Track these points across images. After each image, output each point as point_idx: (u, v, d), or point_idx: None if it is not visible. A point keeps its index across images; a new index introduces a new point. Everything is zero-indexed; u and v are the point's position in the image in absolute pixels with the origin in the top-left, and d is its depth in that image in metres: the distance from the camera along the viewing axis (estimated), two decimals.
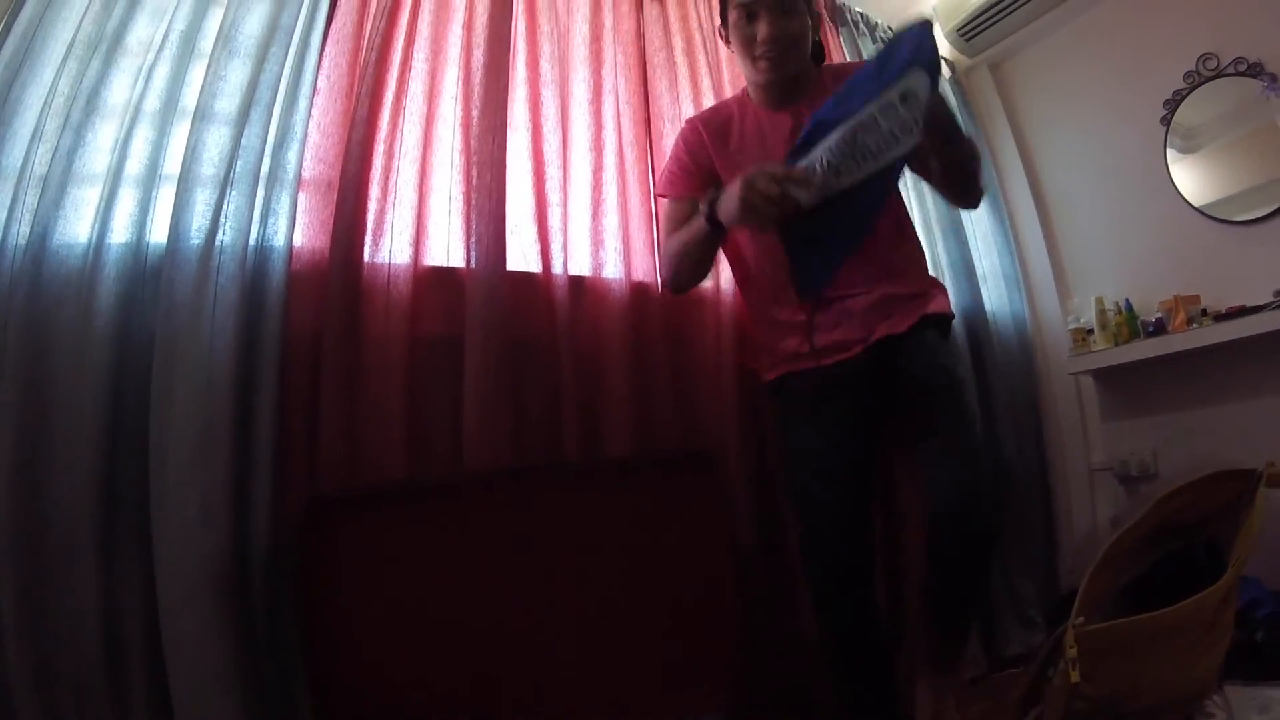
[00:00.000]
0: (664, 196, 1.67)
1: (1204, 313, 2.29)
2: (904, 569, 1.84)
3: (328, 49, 1.45)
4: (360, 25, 1.51)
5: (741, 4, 1.48)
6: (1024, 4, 2.78)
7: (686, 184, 1.61)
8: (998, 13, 2.83)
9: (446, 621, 1.23)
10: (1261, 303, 2.15)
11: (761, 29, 1.46)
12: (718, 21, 1.63)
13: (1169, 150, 2.56)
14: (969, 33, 2.94)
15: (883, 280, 1.48)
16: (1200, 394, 2.42)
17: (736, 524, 1.74)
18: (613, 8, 2.00)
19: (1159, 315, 2.40)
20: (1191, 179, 2.53)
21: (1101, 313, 2.55)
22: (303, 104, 1.37)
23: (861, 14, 2.80)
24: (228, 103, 1.26)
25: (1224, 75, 2.41)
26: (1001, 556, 2.33)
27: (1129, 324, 2.48)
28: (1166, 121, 2.56)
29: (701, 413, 1.82)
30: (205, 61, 1.27)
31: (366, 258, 1.44)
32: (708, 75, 2.15)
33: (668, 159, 1.69)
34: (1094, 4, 2.79)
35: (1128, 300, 2.54)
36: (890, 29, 2.91)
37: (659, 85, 2.05)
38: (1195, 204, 2.49)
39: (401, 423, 1.37)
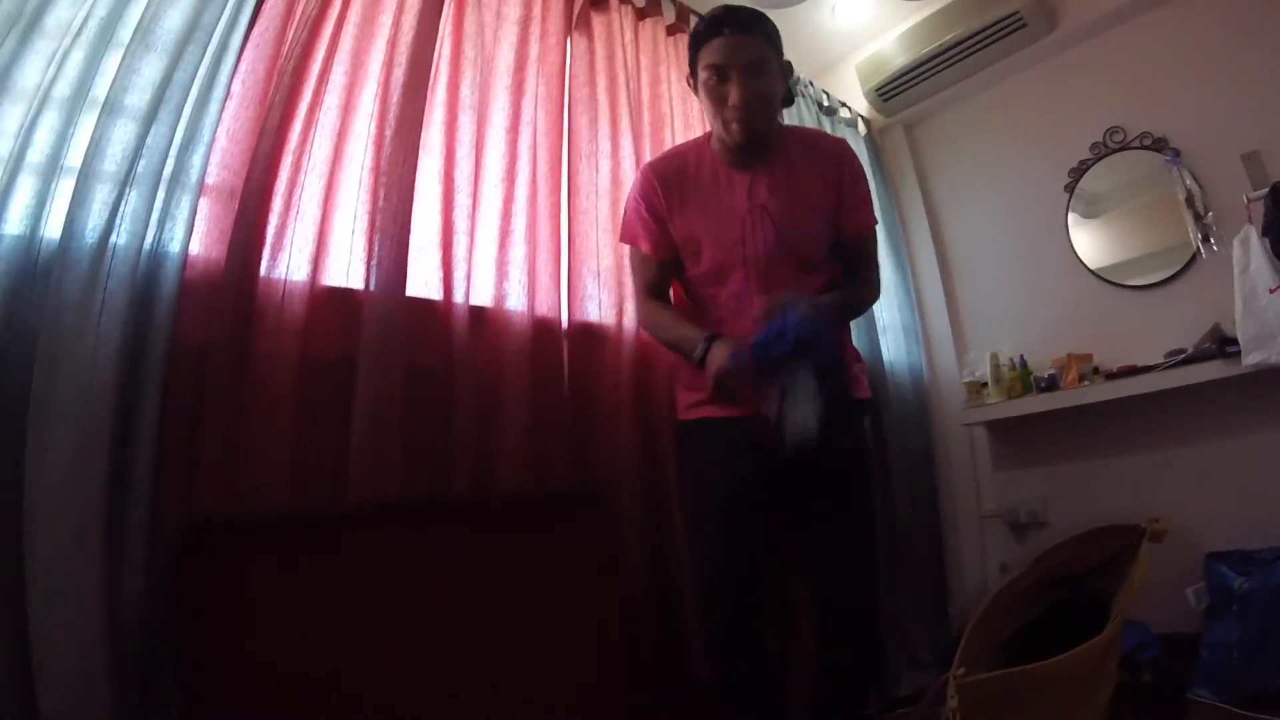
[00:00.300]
0: (633, 248, 1.78)
1: (1096, 371, 2.63)
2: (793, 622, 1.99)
3: (247, 52, 1.46)
4: (283, 32, 1.53)
5: (713, 64, 1.53)
6: (940, 71, 3.14)
7: (647, 238, 1.72)
8: (915, 77, 3.19)
9: (326, 657, 1.24)
10: (1152, 363, 2.48)
11: (733, 93, 1.52)
12: (685, 70, 1.70)
13: (1071, 215, 2.94)
14: (887, 94, 3.28)
15: None
16: (1090, 448, 2.76)
17: (628, 565, 1.82)
18: (539, 39, 2.09)
19: (1052, 372, 2.73)
20: (1092, 243, 2.90)
21: (996, 367, 2.88)
22: (214, 107, 1.37)
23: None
24: (138, 98, 1.25)
25: (1129, 148, 2.80)
26: (894, 600, 2.54)
27: (1022, 379, 2.80)
28: (1070, 189, 2.94)
29: (598, 451, 1.89)
30: (121, 52, 1.26)
31: (263, 272, 1.44)
32: (628, 114, 2.28)
33: (627, 206, 1.79)
34: (1008, 75, 3.17)
35: (1022, 356, 2.87)
36: (818, 90, 3.16)
37: (579, 120, 2.16)
38: (1094, 267, 2.86)
39: (287, 448, 1.37)
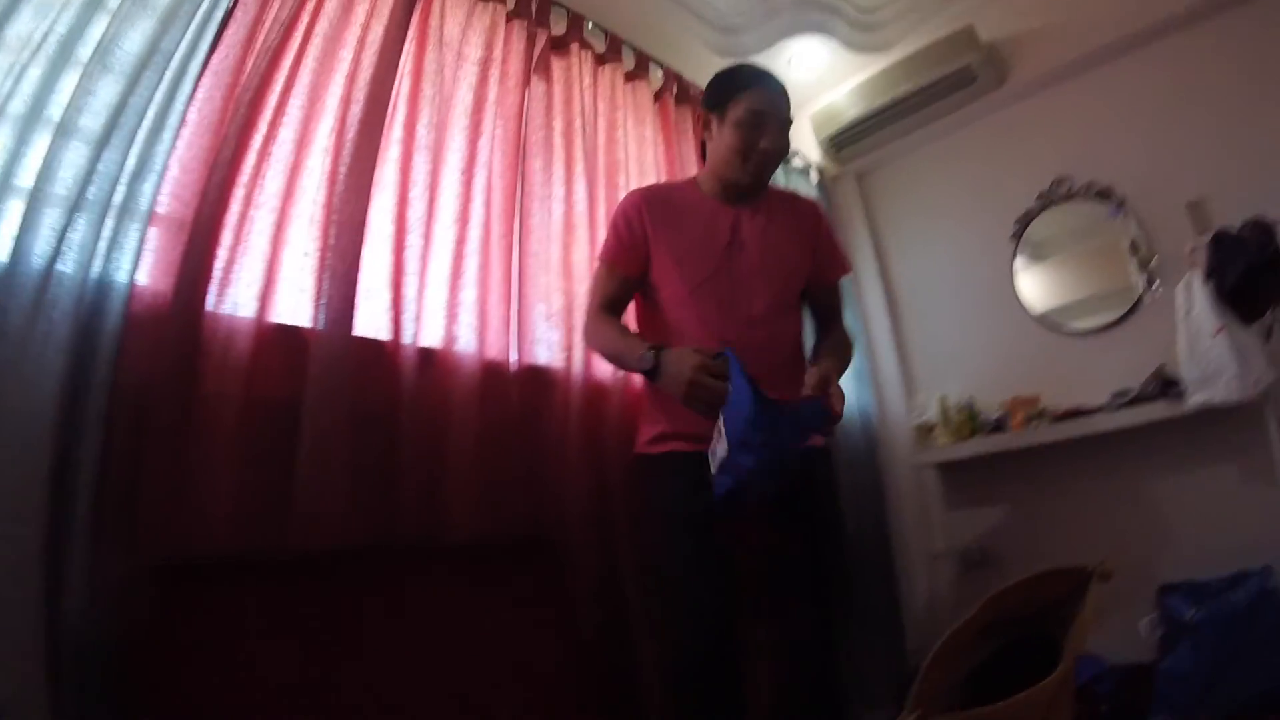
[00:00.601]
0: (603, 261, 1.85)
1: (1042, 413, 2.78)
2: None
3: (205, 79, 1.49)
4: (243, 60, 1.57)
5: (756, 110, 1.74)
6: (892, 122, 3.35)
7: (623, 258, 1.80)
8: (867, 128, 3.40)
9: (265, 704, 1.24)
10: (1098, 405, 2.65)
11: (765, 140, 1.75)
12: (641, 118, 1.84)
13: (1018, 259, 3.14)
14: (840, 143, 3.49)
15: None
16: (1039, 487, 2.92)
17: (579, 610, 1.84)
18: (499, 80, 2.18)
19: (999, 414, 2.89)
20: (1038, 286, 3.10)
21: (944, 410, 3.02)
22: (168, 135, 1.40)
23: None
24: (92, 120, 1.28)
25: (1075, 198, 3.01)
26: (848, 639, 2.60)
27: (970, 421, 2.95)
28: (1017, 237, 3.15)
29: (547, 495, 1.93)
30: (79, 72, 1.28)
31: (210, 306, 1.46)
32: (583, 159, 2.37)
33: (609, 227, 1.87)
34: (958, 127, 3.40)
35: (970, 399, 3.02)
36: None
37: (534, 163, 2.24)
38: (1041, 310, 3.05)
39: (229, 489, 1.37)
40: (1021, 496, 2.97)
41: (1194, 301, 2.32)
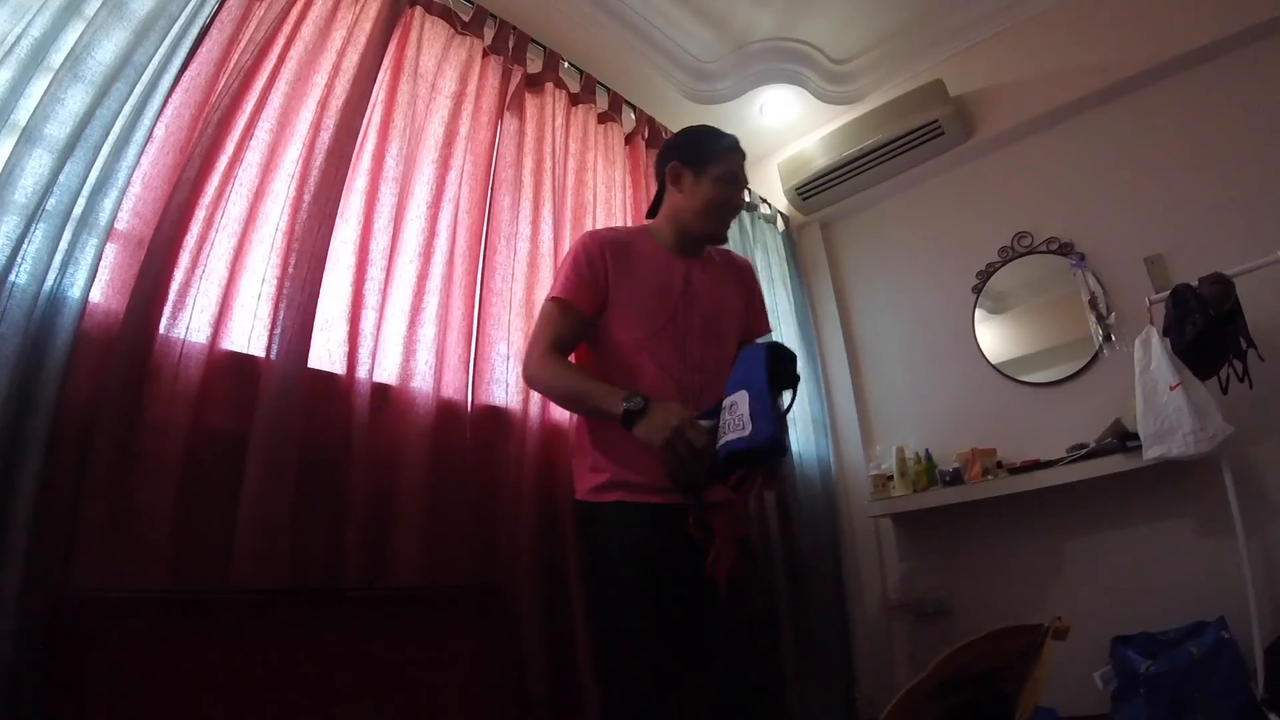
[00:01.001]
0: (559, 299, 1.81)
1: (999, 465, 2.88)
2: None
3: (175, 96, 1.51)
4: (215, 79, 1.60)
5: (734, 173, 1.91)
6: (859, 173, 3.52)
7: (583, 296, 1.81)
8: (834, 178, 3.56)
9: None
10: (1055, 457, 2.76)
11: (739, 199, 1.95)
12: (611, 159, 1.92)
13: (978, 311, 3.29)
14: (806, 193, 3.64)
15: None
16: (995, 538, 3.01)
17: (528, 663, 1.84)
18: (471, 116, 2.23)
19: (956, 465, 2.98)
20: (998, 338, 3.25)
21: (902, 461, 3.11)
22: (133, 150, 1.41)
23: None
24: (58, 129, 1.29)
25: (1036, 252, 3.18)
26: (801, 687, 2.64)
27: (927, 472, 3.05)
28: (978, 290, 3.31)
29: (499, 542, 1.93)
30: (49, 78, 1.30)
31: (162, 329, 1.46)
32: (550, 199, 2.43)
33: (566, 264, 1.86)
34: (924, 180, 3.57)
35: (927, 450, 3.11)
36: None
37: (502, 200, 2.29)
38: (1000, 360, 3.20)
39: (170, 521, 1.36)
40: (977, 547, 3.07)
41: (1152, 356, 2.43)
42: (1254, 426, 2.48)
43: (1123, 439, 2.56)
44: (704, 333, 1.86)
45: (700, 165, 1.89)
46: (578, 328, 1.81)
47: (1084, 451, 2.67)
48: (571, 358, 1.84)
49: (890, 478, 3.14)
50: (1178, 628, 2.40)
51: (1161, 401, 2.36)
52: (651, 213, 2.01)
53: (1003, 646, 1.79)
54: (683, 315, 1.85)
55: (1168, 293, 2.49)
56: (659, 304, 1.84)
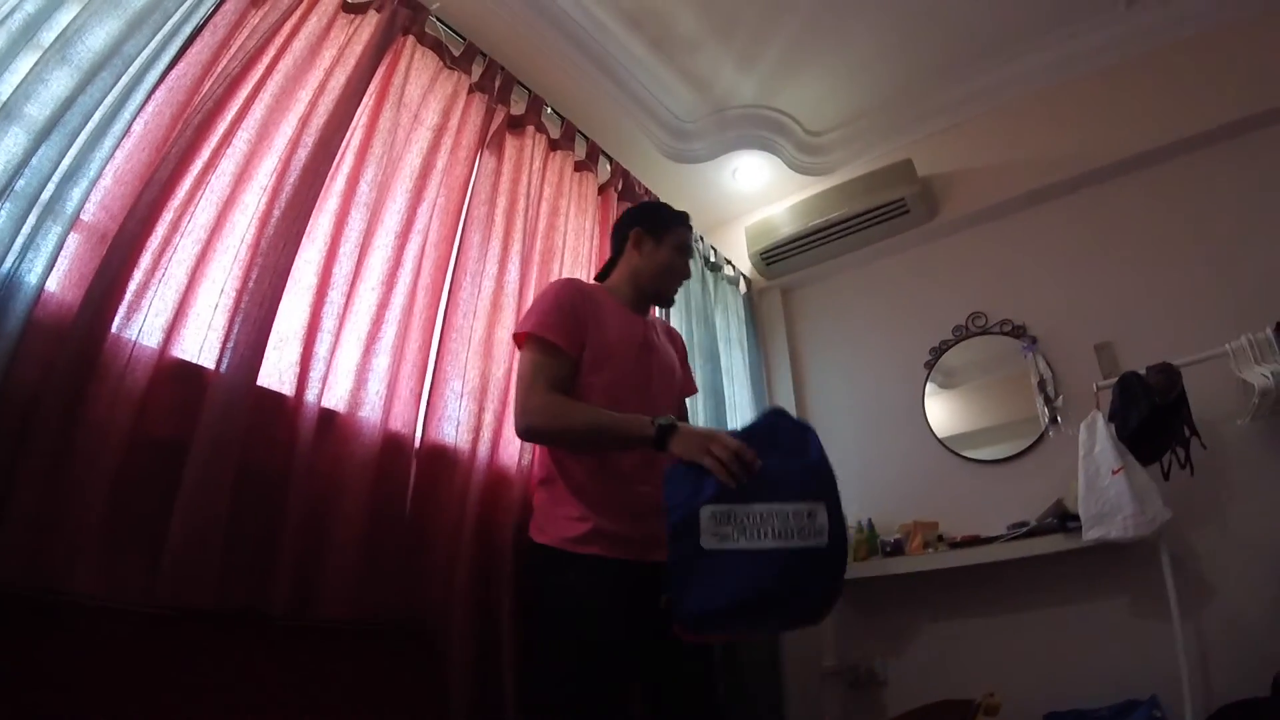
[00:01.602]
0: (546, 341, 1.86)
1: (940, 538, 2.97)
2: None
3: (158, 93, 1.53)
4: (200, 81, 1.62)
5: (686, 244, 2.18)
6: (822, 244, 3.67)
7: (566, 337, 1.88)
8: (798, 247, 3.70)
9: None
10: (995, 534, 2.84)
11: (688, 268, 2.19)
12: (584, 208, 2.05)
13: (929, 385, 3.41)
14: (771, 258, 3.79)
15: None
16: (932, 610, 3.08)
17: (451, 708, 1.80)
18: (450, 150, 2.28)
19: (898, 536, 3.04)
20: (946, 412, 3.38)
21: None
22: (109, 141, 1.42)
23: None
24: (38, 110, 1.29)
25: (989, 333, 3.33)
26: None
27: (869, 542, 3.11)
28: (930, 366, 3.44)
29: (432, 584, 1.90)
30: (37, 55, 1.30)
31: (114, 328, 1.45)
32: (520, 241, 2.47)
33: (546, 305, 1.92)
34: (885, 255, 3.73)
35: (870, 520, 3.19)
36: (707, 245, 3.53)
37: (472, 237, 2.31)
38: (947, 434, 3.31)
39: (100, 527, 1.33)
40: (914, 619, 3.13)
41: (1096, 440, 2.54)
42: (1193, 512, 2.60)
43: (1063, 519, 2.65)
44: (660, 384, 2.03)
45: (660, 233, 2.14)
46: (566, 370, 1.86)
47: (1025, 529, 2.76)
48: None
49: None
50: (1110, 705, 2.48)
51: (1103, 484, 2.46)
52: (602, 276, 2.19)
53: None
54: (644, 366, 2.01)
55: (1115, 379, 2.62)
56: (625, 353, 1.96)
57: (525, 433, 1.85)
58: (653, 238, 2.13)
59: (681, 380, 2.22)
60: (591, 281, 2.18)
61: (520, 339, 1.94)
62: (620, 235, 2.18)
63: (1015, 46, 3.31)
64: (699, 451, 1.57)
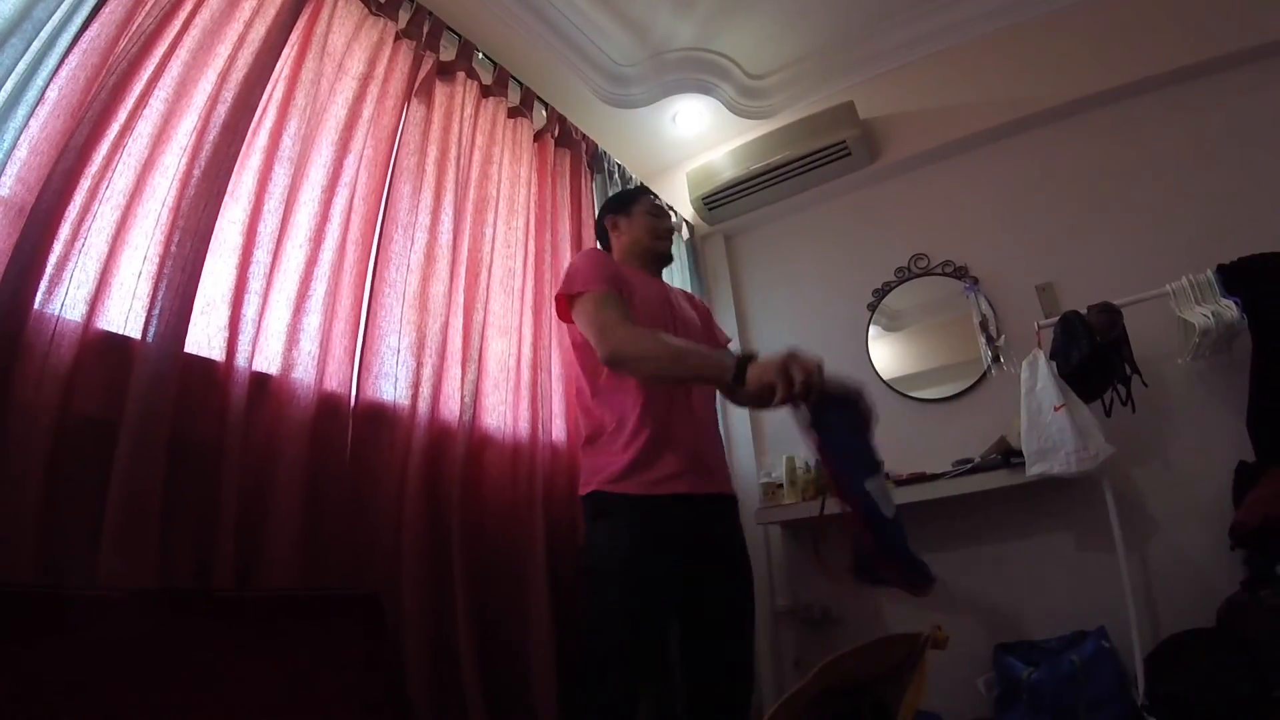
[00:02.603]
0: (600, 291, 2.01)
1: (888, 476, 3.03)
2: None
3: (72, 57, 1.50)
4: (114, 42, 1.59)
5: (657, 204, 2.53)
6: (765, 188, 3.76)
7: (615, 285, 2.05)
8: (740, 191, 3.79)
9: None
10: (941, 471, 3.01)
11: (668, 221, 2.46)
12: (519, 154, 2.34)
13: (873, 328, 3.58)
14: (713, 203, 3.87)
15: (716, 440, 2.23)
16: None
17: (408, 680, 1.87)
18: (377, 99, 2.27)
19: None
20: (891, 355, 3.54)
21: (791, 470, 3.32)
22: (23, 111, 1.40)
23: (619, 164, 3.42)
24: None
25: (931, 274, 3.49)
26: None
27: (816, 482, 3.25)
28: (873, 307, 3.60)
29: (378, 547, 1.96)
30: None
31: (37, 304, 1.44)
32: (453, 190, 2.48)
33: (585, 266, 2.11)
34: (828, 199, 3.85)
35: (817, 459, 3.25)
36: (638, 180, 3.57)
37: (402, 189, 2.32)
38: (892, 377, 3.48)
39: (36, 511, 1.35)
40: None
41: (1038, 378, 2.68)
42: (1135, 448, 2.79)
43: (1007, 455, 2.81)
44: (685, 336, 2.16)
45: (628, 207, 2.43)
46: (625, 308, 2.00)
47: (969, 466, 2.92)
48: (573, 372, 2.24)
49: (780, 486, 3.34)
50: (1059, 637, 2.67)
51: (1045, 421, 2.61)
52: None
53: (883, 655, 1.94)
54: (669, 321, 2.18)
55: (1057, 319, 2.76)
56: (654, 309, 2.14)
57: (612, 358, 1.91)
58: (625, 215, 2.41)
59: (705, 334, 2.34)
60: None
61: (566, 305, 2.08)
62: (601, 231, 2.47)
63: None
64: (777, 373, 1.64)
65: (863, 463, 1.83)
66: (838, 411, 1.78)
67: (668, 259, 2.45)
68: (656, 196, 2.48)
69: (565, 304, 2.08)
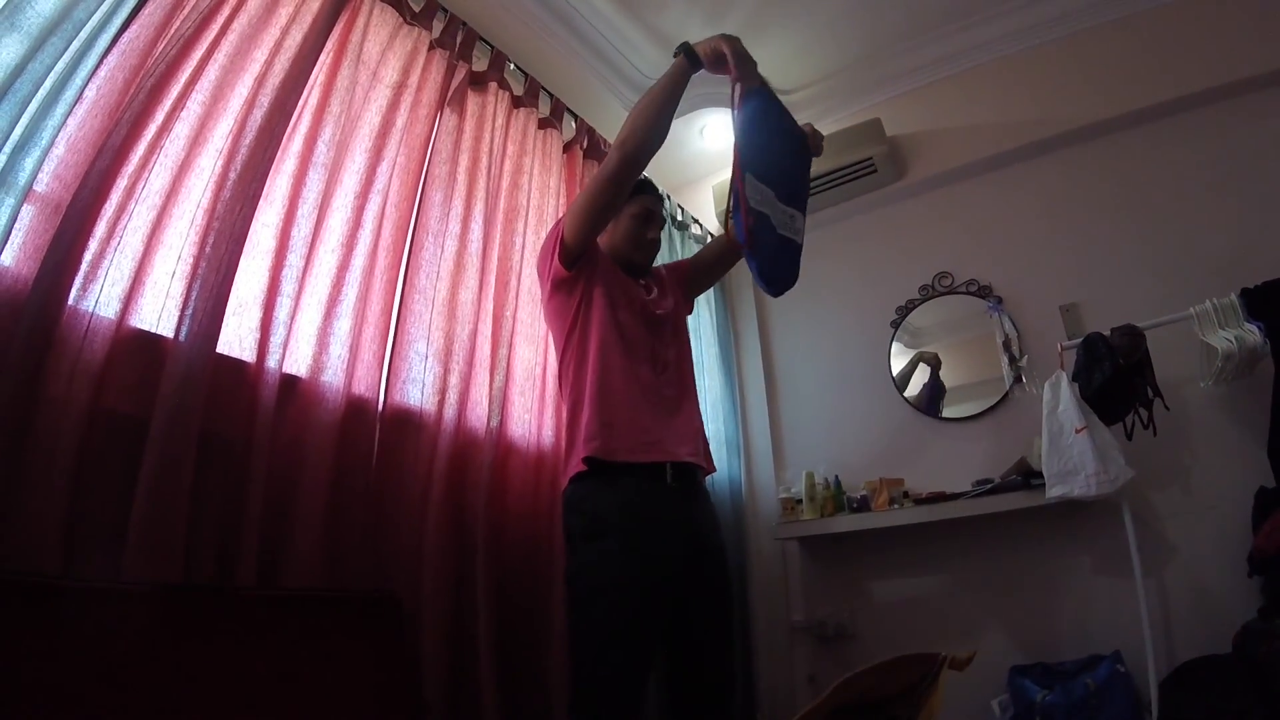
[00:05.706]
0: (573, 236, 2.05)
1: (906, 494, 3.09)
2: None
3: (111, 57, 1.50)
4: (153, 44, 1.59)
5: (649, 209, 2.27)
6: None
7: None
8: None
9: None
10: (960, 490, 2.94)
11: (652, 232, 2.28)
12: (548, 165, 2.36)
13: (895, 345, 3.52)
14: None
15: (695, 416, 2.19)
16: (898, 566, 3.22)
17: (426, 682, 1.85)
18: (410, 107, 2.26)
19: (864, 493, 3.16)
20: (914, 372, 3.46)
21: (811, 486, 3.27)
22: (61, 109, 1.40)
23: (646, 176, 3.39)
24: None
25: (955, 292, 3.43)
26: None
27: (835, 498, 3.23)
28: (896, 325, 3.54)
29: (400, 550, 1.95)
30: None
31: (71, 300, 1.45)
32: (484, 199, 2.47)
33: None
34: (853, 215, 3.79)
35: (837, 477, 3.31)
36: (674, 204, 3.55)
37: (433, 196, 2.31)
38: (912, 394, 3.42)
39: (64, 505, 1.35)
40: (881, 574, 3.27)
41: (1060, 399, 2.63)
42: (1156, 473, 2.72)
43: (1027, 476, 2.76)
44: (665, 332, 2.20)
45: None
46: None
47: (988, 486, 2.86)
48: (566, 349, 2.11)
49: (799, 502, 3.29)
50: (1074, 660, 2.61)
51: (1066, 443, 2.56)
52: None
53: (900, 674, 1.90)
54: (640, 304, 2.16)
55: (1080, 340, 2.71)
56: (630, 302, 2.14)
57: (620, 152, 2.03)
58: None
59: (682, 299, 2.39)
60: None
61: (557, 236, 2.09)
62: None
63: (983, 11, 3.36)
64: (719, 38, 2.02)
65: (764, 162, 2.17)
66: (764, 103, 2.16)
67: (644, 271, 2.31)
68: (660, 197, 2.32)
69: (557, 248, 2.07)
